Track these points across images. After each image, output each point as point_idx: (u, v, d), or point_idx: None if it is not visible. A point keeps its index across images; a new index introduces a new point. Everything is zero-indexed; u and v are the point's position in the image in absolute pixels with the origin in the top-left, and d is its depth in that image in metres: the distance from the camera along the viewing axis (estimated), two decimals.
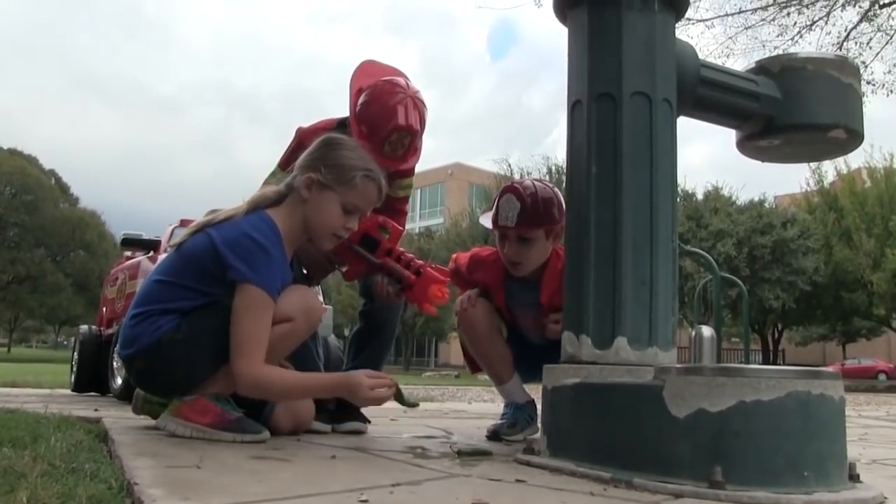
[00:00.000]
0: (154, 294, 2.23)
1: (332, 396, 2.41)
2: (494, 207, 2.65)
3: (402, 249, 2.57)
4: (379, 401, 2.18)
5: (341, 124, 2.61)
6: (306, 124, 2.68)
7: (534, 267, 2.65)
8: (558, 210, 2.59)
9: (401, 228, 2.61)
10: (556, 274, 2.59)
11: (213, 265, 2.15)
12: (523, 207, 2.55)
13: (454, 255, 2.97)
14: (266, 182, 2.61)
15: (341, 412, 2.67)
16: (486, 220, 2.73)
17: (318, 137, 2.38)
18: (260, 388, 2.16)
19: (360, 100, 2.52)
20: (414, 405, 2.40)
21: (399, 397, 2.21)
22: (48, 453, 1.62)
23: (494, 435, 2.62)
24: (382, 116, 2.46)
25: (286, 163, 2.58)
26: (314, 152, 2.31)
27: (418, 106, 2.51)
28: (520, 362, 2.76)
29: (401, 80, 2.55)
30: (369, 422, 2.73)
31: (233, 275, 2.12)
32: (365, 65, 2.67)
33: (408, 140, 2.51)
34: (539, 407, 2.14)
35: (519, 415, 2.69)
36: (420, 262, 2.55)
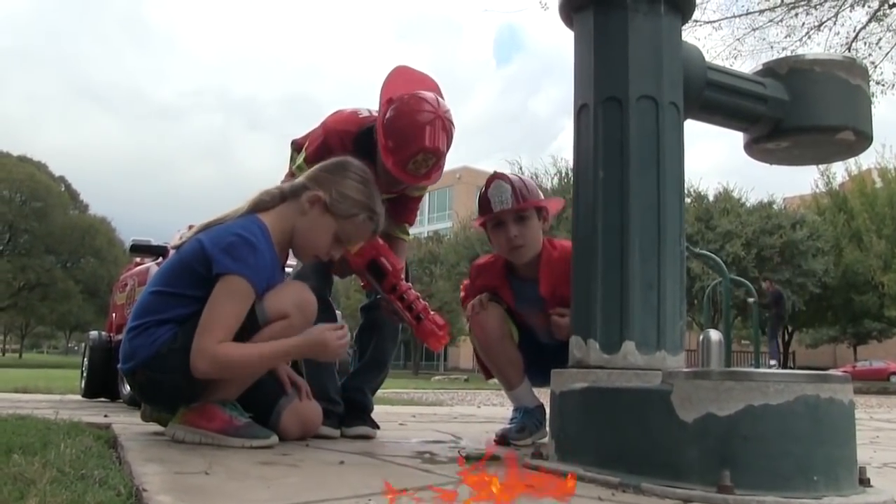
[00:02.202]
0: (150, 305, 2.23)
1: (300, 358, 2.37)
2: (482, 201, 2.69)
3: (407, 286, 2.59)
4: (340, 355, 2.25)
5: (368, 131, 2.59)
6: (332, 117, 2.68)
7: (533, 251, 2.68)
8: (541, 192, 2.68)
9: (401, 265, 2.64)
10: (551, 262, 2.67)
11: (202, 268, 2.15)
12: (514, 187, 2.62)
13: (462, 286, 3.01)
14: (290, 174, 2.66)
15: (350, 417, 2.67)
16: (477, 221, 2.79)
17: (342, 141, 2.49)
18: (218, 363, 2.09)
19: (388, 113, 2.50)
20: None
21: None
22: (58, 460, 1.63)
23: (503, 439, 2.62)
24: (410, 135, 2.45)
25: (313, 158, 2.56)
26: (329, 171, 2.34)
27: (447, 126, 2.50)
28: (531, 366, 2.76)
29: (431, 97, 2.52)
30: (378, 427, 2.73)
31: (217, 268, 2.11)
32: (399, 70, 2.66)
33: (433, 161, 2.51)
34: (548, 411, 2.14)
35: (528, 419, 2.69)
36: (422, 304, 2.57)
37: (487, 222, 2.70)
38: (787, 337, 30.22)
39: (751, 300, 12.16)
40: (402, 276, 2.60)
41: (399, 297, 2.55)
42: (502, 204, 2.62)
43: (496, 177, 2.67)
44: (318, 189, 2.29)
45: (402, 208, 2.83)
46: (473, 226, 2.60)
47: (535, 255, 2.68)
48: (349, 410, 2.69)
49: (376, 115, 2.58)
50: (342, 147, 2.52)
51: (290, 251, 2.41)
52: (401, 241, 2.86)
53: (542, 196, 2.71)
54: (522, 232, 2.64)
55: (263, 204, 2.31)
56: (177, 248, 2.31)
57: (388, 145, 2.47)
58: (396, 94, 2.53)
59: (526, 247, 2.65)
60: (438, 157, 2.51)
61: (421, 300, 2.59)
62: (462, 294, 2.98)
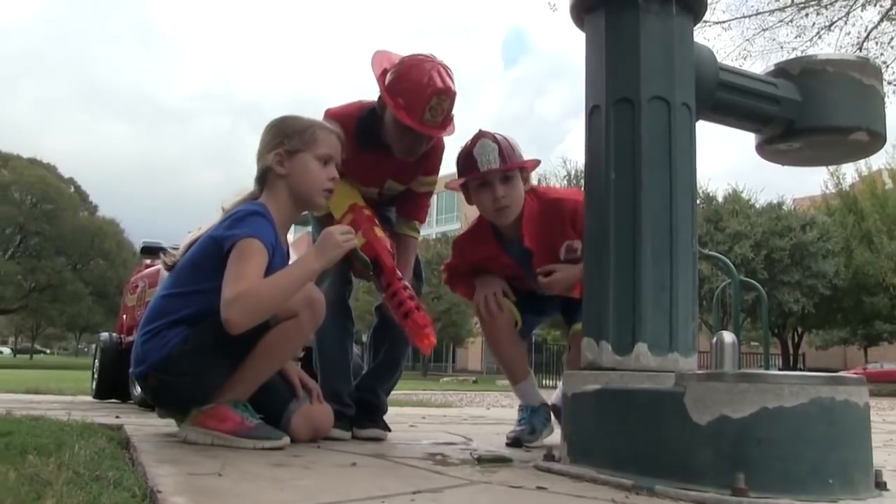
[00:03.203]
0: (161, 308, 2.26)
1: (321, 264, 2.24)
2: (466, 160, 2.59)
3: (401, 284, 2.52)
4: (348, 247, 2.25)
5: (371, 110, 2.60)
6: (329, 110, 2.67)
7: (517, 211, 2.62)
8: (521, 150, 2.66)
9: (391, 264, 2.57)
10: (532, 215, 2.64)
11: (208, 259, 2.21)
12: (500, 146, 2.55)
13: (443, 265, 2.96)
14: None
15: (362, 419, 2.67)
16: (455, 184, 2.68)
17: (345, 126, 2.49)
18: (245, 302, 2.08)
19: (389, 77, 2.51)
20: (366, 264, 2.46)
21: (355, 253, 2.33)
22: (72, 461, 1.63)
23: (516, 442, 2.61)
24: (418, 84, 2.45)
25: None
26: (267, 135, 2.41)
27: (448, 72, 2.51)
28: (541, 315, 2.91)
29: (422, 53, 2.55)
30: (390, 430, 2.73)
31: (226, 244, 2.17)
32: (380, 52, 2.66)
33: (447, 103, 2.49)
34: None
35: (536, 419, 2.69)
36: (413, 304, 2.47)
37: (470, 182, 2.63)
38: (797, 339, 30.13)
39: None
40: (398, 275, 2.54)
41: (391, 295, 2.51)
42: (489, 164, 2.54)
43: (482, 135, 2.59)
44: (274, 150, 2.35)
45: (411, 205, 2.82)
46: (451, 186, 2.76)
47: (517, 213, 2.63)
48: (362, 412, 2.69)
49: (373, 100, 2.60)
50: (346, 133, 2.50)
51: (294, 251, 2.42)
52: (410, 239, 2.84)
53: (523, 155, 2.65)
54: (508, 192, 2.58)
55: (253, 196, 2.39)
56: (170, 267, 2.37)
57: (399, 104, 2.46)
58: (389, 65, 2.55)
59: (511, 207, 2.60)
60: (451, 97, 2.49)
61: (414, 300, 2.49)
62: (445, 276, 2.92)
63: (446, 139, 2.68)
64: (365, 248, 2.49)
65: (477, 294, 2.76)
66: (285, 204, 2.35)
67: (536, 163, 2.72)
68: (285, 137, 2.35)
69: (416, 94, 2.45)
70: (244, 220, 2.21)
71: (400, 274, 2.55)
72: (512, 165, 2.57)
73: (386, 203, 2.84)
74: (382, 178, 2.72)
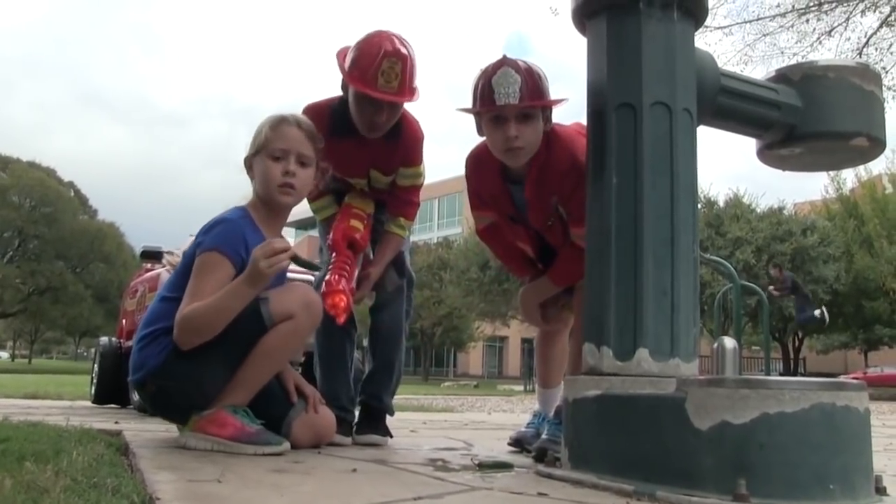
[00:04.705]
0: (158, 313, 2.29)
1: (253, 288, 2.19)
2: (484, 89, 2.26)
3: (344, 261, 2.56)
4: (272, 273, 2.17)
5: (342, 100, 2.60)
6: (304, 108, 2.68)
7: (530, 155, 2.33)
8: (548, 86, 2.34)
9: (363, 244, 2.62)
10: (540, 164, 2.35)
11: (192, 263, 2.26)
12: (525, 79, 2.23)
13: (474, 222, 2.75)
14: None
15: (363, 424, 2.67)
16: (470, 109, 2.36)
17: (319, 116, 2.53)
18: (183, 322, 2.16)
19: (347, 56, 2.50)
20: (314, 267, 2.50)
21: (297, 259, 2.26)
22: (70, 468, 1.62)
23: (543, 453, 2.46)
24: (369, 52, 2.43)
25: None
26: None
27: (403, 42, 2.48)
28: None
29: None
30: (391, 435, 2.72)
31: (197, 251, 2.25)
32: (342, 48, 2.64)
33: (399, 67, 2.44)
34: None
35: (554, 430, 2.60)
36: (335, 274, 2.50)
37: (483, 113, 2.32)
38: (797, 343, 30.10)
39: (772, 289, 12.19)
40: (344, 252, 2.58)
41: (331, 263, 2.57)
42: (508, 97, 2.21)
43: (504, 62, 2.25)
44: (244, 156, 2.43)
45: (395, 200, 2.76)
46: (464, 110, 2.35)
47: (530, 157, 2.34)
48: (362, 417, 2.68)
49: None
50: (317, 123, 2.50)
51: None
52: (392, 235, 2.77)
53: (549, 92, 2.31)
54: (524, 132, 2.26)
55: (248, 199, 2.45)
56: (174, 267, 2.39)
57: (354, 75, 2.44)
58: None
59: (524, 150, 2.30)
60: (402, 60, 2.44)
61: (342, 272, 2.52)
62: (478, 227, 2.72)
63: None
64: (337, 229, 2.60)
65: (526, 301, 2.65)
66: (260, 207, 2.39)
67: (561, 102, 2.38)
68: (248, 147, 2.42)
69: (367, 61, 2.42)
70: (212, 228, 2.28)
71: (349, 254, 2.58)
72: (532, 104, 2.25)
73: (382, 202, 2.83)
74: (365, 167, 2.69)
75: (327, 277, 2.50)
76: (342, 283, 2.48)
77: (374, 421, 2.69)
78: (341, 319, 2.44)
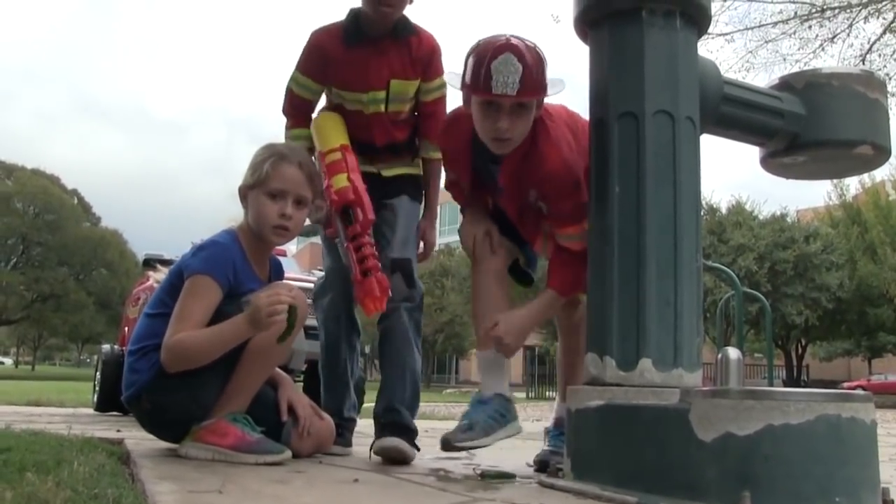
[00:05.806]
0: (146, 329, 2.29)
1: (256, 330, 2.17)
2: (482, 72, 2.10)
3: (367, 240, 2.42)
4: (271, 324, 2.12)
5: (354, 13, 2.57)
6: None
7: (516, 145, 2.21)
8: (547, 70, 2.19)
9: (371, 217, 2.45)
10: (522, 156, 2.24)
11: (179, 281, 2.25)
12: (527, 71, 2.07)
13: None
14: (287, 87, 2.68)
15: (379, 434, 2.56)
16: (456, 81, 2.23)
17: (329, 33, 2.54)
18: (172, 350, 2.15)
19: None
20: (291, 324, 2.21)
21: (289, 318, 2.16)
22: (71, 479, 1.61)
23: (545, 464, 2.36)
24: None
25: (305, 63, 2.63)
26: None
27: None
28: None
29: None
30: (418, 448, 2.52)
31: (185, 273, 2.24)
32: None
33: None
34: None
35: (556, 440, 2.51)
36: (374, 262, 2.39)
37: (475, 95, 2.18)
38: (800, 350, 30.04)
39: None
40: (370, 231, 2.45)
41: (356, 248, 2.42)
42: (506, 87, 2.06)
43: (508, 47, 2.09)
44: (240, 185, 2.37)
45: (427, 119, 2.70)
46: (451, 82, 2.27)
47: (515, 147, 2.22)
48: (379, 429, 2.51)
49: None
50: (329, 38, 2.49)
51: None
52: (434, 162, 2.72)
53: (547, 79, 2.16)
54: (515, 125, 2.14)
55: (237, 221, 2.42)
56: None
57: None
58: None
59: (512, 141, 2.18)
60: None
61: (376, 259, 2.41)
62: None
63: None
64: (346, 192, 2.43)
65: (465, 230, 2.46)
66: (251, 236, 2.37)
67: (557, 91, 2.22)
68: (247, 175, 2.36)
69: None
70: (203, 250, 2.27)
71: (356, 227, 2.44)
72: (529, 96, 2.12)
73: (398, 128, 2.70)
74: (385, 77, 2.58)
75: (377, 274, 2.38)
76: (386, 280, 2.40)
77: (395, 429, 2.49)
78: (383, 305, 2.39)
